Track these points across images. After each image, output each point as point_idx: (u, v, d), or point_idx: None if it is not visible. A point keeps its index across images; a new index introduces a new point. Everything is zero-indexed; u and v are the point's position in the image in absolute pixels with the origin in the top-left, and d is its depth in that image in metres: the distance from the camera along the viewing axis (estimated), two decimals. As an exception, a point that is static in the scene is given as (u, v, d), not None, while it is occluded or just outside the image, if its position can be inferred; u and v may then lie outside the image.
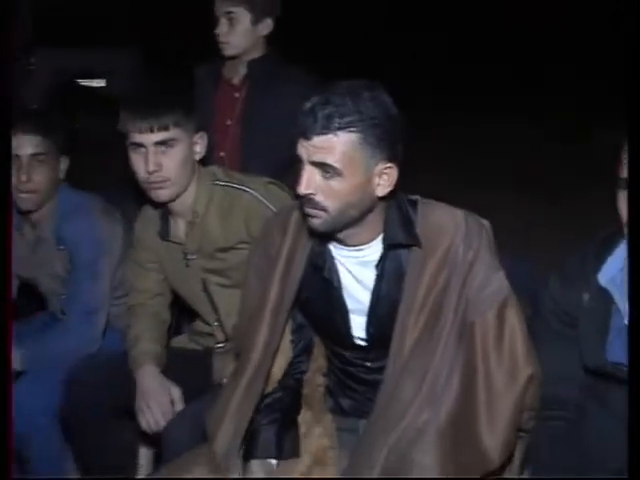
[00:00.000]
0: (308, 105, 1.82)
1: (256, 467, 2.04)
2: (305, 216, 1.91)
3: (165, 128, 2.37)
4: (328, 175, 1.82)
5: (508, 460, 1.94)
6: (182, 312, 2.83)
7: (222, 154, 3.05)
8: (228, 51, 3.14)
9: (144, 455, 2.77)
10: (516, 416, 1.90)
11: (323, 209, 1.85)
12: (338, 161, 1.81)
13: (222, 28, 3.10)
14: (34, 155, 2.66)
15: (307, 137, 1.81)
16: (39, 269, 2.81)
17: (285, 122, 2.99)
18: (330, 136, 1.80)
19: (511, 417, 1.89)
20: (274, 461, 2.05)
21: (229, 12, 3.07)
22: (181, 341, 2.78)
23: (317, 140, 1.80)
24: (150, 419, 2.43)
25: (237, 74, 3.21)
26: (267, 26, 3.15)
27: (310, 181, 1.83)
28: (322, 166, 1.82)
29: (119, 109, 2.53)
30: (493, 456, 1.88)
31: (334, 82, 1.88)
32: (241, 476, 2.05)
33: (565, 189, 7.26)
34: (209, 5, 3.15)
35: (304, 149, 1.83)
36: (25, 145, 2.65)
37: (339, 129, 1.79)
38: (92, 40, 10.56)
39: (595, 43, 13.41)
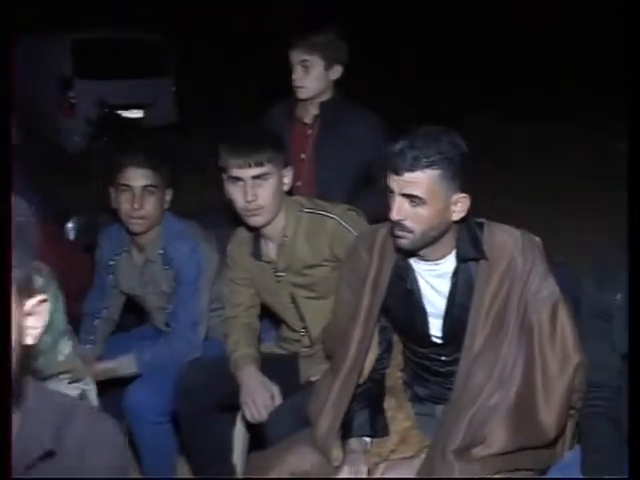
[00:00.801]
0: (398, 147, 2.26)
1: (354, 444, 2.46)
2: (394, 237, 2.35)
3: (261, 164, 2.79)
4: (415, 204, 2.26)
5: (561, 433, 2.37)
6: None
7: (299, 184, 3.43)
8: (302, 95, 3.60)
9: (239, 443, 3.18)
10: (568, 397, 2.31)
11: (410, 231, 2.29)
12: (424, 193, 2.24)
13: (298, 74, 3.57)
14: (145, 187, 3.09)
15: (398, 173, 2.25)
16: (146, 287, 3.24)
17: (352, 156, 3.49)
18: (417, 173, 2.23)
19: (563, 398, 2.31)
20: (368, 439, 2.48)
21: (304, 60, 3.54)
22: (268, 347, 3.20)
23: (407, 176, 2.24)
24: (254, 412, 2.86)
25: (308, 114, 3.68)
26: (337, 72, 3.62)
27: (400, 209, 2.27)
28: (410, 197, 2.25)
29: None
30: (549, 430, 2.30)
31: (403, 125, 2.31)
32: (341, 454, 2.47)
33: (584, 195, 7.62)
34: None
35: (395, 183, 2.27)
36: (138, 178, 3.08)
37: (425, 167, 2.23)
38: (130, 72, 11.02)
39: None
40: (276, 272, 2.97)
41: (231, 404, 3.01)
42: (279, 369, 3.02)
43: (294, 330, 3.06)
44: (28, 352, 1.39)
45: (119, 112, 10.40)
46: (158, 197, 3.11)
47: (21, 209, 1.41)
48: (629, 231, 2.06)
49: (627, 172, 2.05)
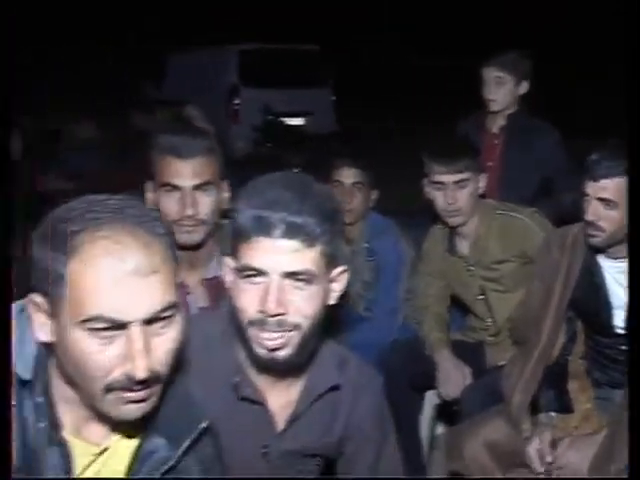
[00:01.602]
0: (594, 157, 2.58)
1: (542, 418, 2.79)
2: (587, 236, 2.67)
3: (461, 171, 3.17)
4: (608, 207, 2.57)
5: None
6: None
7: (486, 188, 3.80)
8: (494, 107, 4.03)
9: (426, 421, 3.56)
10: None
11: (602, 231, 2.61)
12: (616, 197, 2.56)
13: (490, 89, 3.97)
14: (354, 183, 3.55)
15: (595, 180, 2.57)
16: (350, 275, 3.66)
17: (534, 165, 3.84)
18: (611, 180, 2.55)
19: None
20: (554, 415, 2.80)
21: (498, 77, 3.94)
22: (455, 336, 3.57)
23: (602, 182, 2.56)
24: (449, 390, 3.23)
25: (496, 125, 4.10)
26: (524, 87, 4.02)
27: (595, 211, 2.59)
28: (605, 200, 2.57)
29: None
30: None
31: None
32: (530, 427, 2.81)
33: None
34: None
35: (591, 188, 2.59)
36: (349, 175, 3.55)
37: (617, 175, 2.54)
38: (292, 82, 11.61)
39: None
40: (468, 266, 3.33)
41: (421, 383, 3.40)
42: (467, 355, 3.38)
43: (482, 320, 3.41)
44: (325, 311, 1.81)
45: (282, 119, 10.93)
46: (364, 194, 3.55)
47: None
48: (629, 231, 2.30)
49: (627, 171, 2.30)
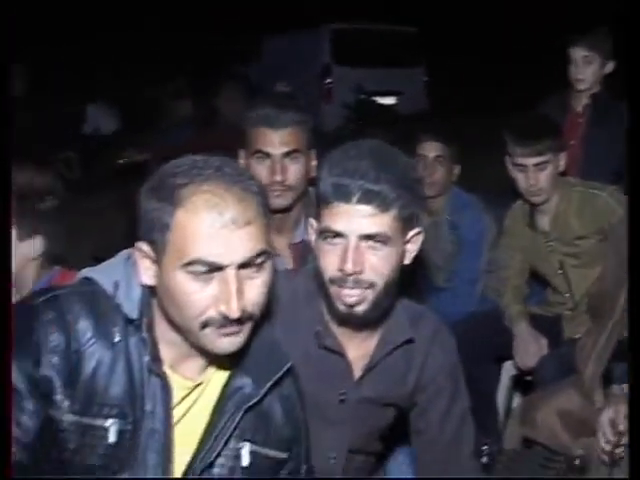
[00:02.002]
0: None
1: (615, 390, 2.86)
2: None
3: (542, 153, 3.26)
4: None
5: None
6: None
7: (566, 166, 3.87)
8: (581, 86, 4.09)
9: (503, 391, 3.66)
10: None
11: None
12: None
13: (578, 68, 4.03)
14: (436, 157, 3.69)
15: None
16: (432, 247, 3.80)
17: (616, 145, 3.88)
18: None
19: None
20: (625, 385, 2.87)
21: (585, 56, 4.00)
22: (532, 309, 3.65)
23: None
24: (526, 359, 3.34)
25: (581, 104, 4.15)
26: (609, 67, 4.07)
27: None
28: None
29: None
30: None
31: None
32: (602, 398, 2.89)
33: None
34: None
35: None
36: (431, 149, 3.68)
37: None
38: (384, 61, 11.69)
39: None
40: (548, 242, 3.42)
41: (499, 354, 3.50)
42: (544, 328, 3.47)
43: (560, 294, 3.49)
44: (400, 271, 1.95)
45: (374, 98, 11.02)
46: (447, 168, 3.67)
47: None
48: (629, 232, 2.31)
49: (627, 171, 2.29)
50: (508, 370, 3.60)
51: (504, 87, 13.28)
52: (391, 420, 2.14)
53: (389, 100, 11.48)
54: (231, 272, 1.49)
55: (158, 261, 1.53)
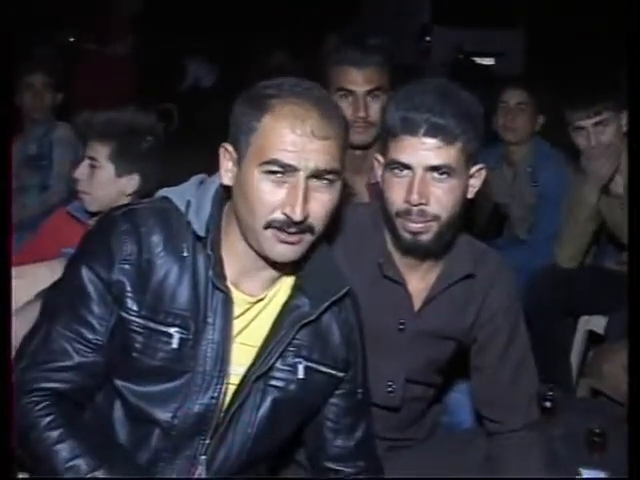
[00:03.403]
0: None
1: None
2: None
3: (599, 113, 3.24)
4: None
5: None
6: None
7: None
8: None
9: (577, 346, 3.66)
10: None
11: None
12: None
13: None
14: (518, 104, 3.74)
15: None
16: (513, 198, 3.83)
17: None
18: None
19: None
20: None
21: None
22: (610, 264, 3.64)
23: None
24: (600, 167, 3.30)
25: None
26: None
27: None
28: None
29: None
30: None
31: None
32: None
33: None
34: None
35: None
36: (513, 96, 3.78)
37: None
38: (484, 22, 11.52)
39: None
40: (622, 205, 3.37)
41: (574, 309, 3.50)
42: (619, 284, 3.38)
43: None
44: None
45: (473, 59, 10.90)
46: (528, 116, 3.69)
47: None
48: (629, 231, 2.27)
49: (628, 170, 2.19)
50: (584, 325, 3.59)
51: (607, 52, 12.96)
52: (449, 354, 2.18)
53: (488, 61, 11.33)
54: (302, 179, 1.60)
55: (239, 162, 1.65)
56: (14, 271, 2.07)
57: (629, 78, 2.37)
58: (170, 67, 10.12)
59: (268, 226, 1.61)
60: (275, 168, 1.60)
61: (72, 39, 7.90)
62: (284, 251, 1.64)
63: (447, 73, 10.35)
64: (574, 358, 3.60)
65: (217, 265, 1.67)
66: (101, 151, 2.67)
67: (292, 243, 1.63)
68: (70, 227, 2.74)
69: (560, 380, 3.43)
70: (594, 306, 3.50)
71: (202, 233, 1.68)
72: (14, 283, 2.03)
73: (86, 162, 2.70)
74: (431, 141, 1.86)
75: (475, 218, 3.95)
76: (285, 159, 1.59)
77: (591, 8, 13.44)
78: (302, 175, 1.60)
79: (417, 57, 11.39)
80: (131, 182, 2.70)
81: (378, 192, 2.09)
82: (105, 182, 2.68)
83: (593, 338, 3.60)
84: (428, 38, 11.65)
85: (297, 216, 1.59)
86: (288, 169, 1.59)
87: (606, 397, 2.93)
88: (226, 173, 1.69)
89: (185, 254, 1.68)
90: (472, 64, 10.72)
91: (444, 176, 1.89)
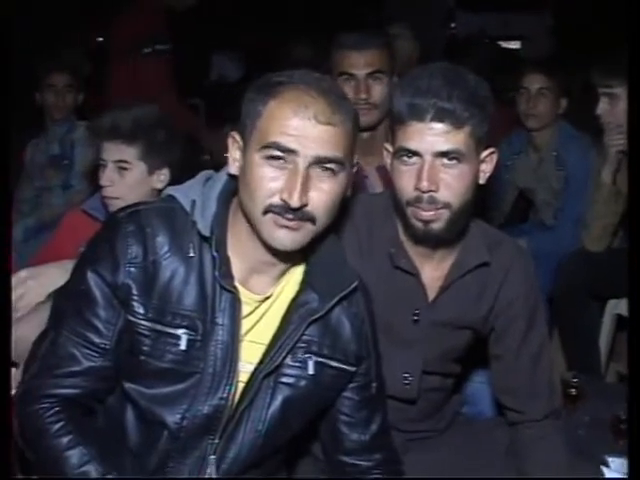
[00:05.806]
0: None
1: None
2: None
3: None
4: None
5: None
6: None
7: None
8: None
9: (606, 329, 3.60)
10: None
11: None
12: None
13: None
14: (540, 89, 3.69)
15: None
16: (539, 183, 3.78)
17: None
18: None
19: None
20: None
21: None
22: None
23: None
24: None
25: None
26: None
27: None
28: None
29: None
30: None
31: None
32: None
33: None
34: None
35: None
36: (534, 81, 3.72)
37: None
38: (509, 5, 11.40)
39: None
40: None
41: (601, 293, 3.44)
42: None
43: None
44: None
45: (498, 43, 10.77)
46: (551, 101, 3.64)
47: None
48: (630, 230, 2.22)
49: (628, 170, 2.12)
50: (612, 309, 3.53)
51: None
52: (466, 343, 2.15)
53: (513, 45, 11.21)
54: (302, 165, 1.58)
55: (244, 148, 1.64)
56: (27, 272, 2.08)
57: (629, 79, 2.32)
58: (197, 62, 10.10)
59: (267, 211, 1.60)
60: (275, 152, 1.58)
61: (101, 39, 7.87)
62: (283, 236, 1.61)
63: (473, 58, 10.28)
64: (602, 342, 3.54)
65: (223, 265, 1.65)
66: (130, 152, 2.63)
67: (291, 229, 1.60)
68: (87, 226, 2.72)
69: (589, 365, 3.40)
70: (622, 289, 3.43)
71: (207, 233, 1.66)
72: (28, 284, 2.06)
73: (111, 166, 2.64)
74: (439, 126, 1.83)
75: (500, 204, 3.91)
76: (285, 142, 1.57)
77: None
78: (302, 161, 1.57)
79: (444, 43, 11.28)
80: (161, 177, 2.69)
81: (389, 174, 2.06)
82: (137, 182, 2.65)
83: (621, 322, 3.53)
84: (453, 24, 11.55)
85: (294, 202, 1.56)
86: (288, 154, 1.57)
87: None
88: (234, 162, 1.68)
89: (191, 254, 1.66)
90: (497, 48, 10.59)
91: (454, 162, 1.85)
